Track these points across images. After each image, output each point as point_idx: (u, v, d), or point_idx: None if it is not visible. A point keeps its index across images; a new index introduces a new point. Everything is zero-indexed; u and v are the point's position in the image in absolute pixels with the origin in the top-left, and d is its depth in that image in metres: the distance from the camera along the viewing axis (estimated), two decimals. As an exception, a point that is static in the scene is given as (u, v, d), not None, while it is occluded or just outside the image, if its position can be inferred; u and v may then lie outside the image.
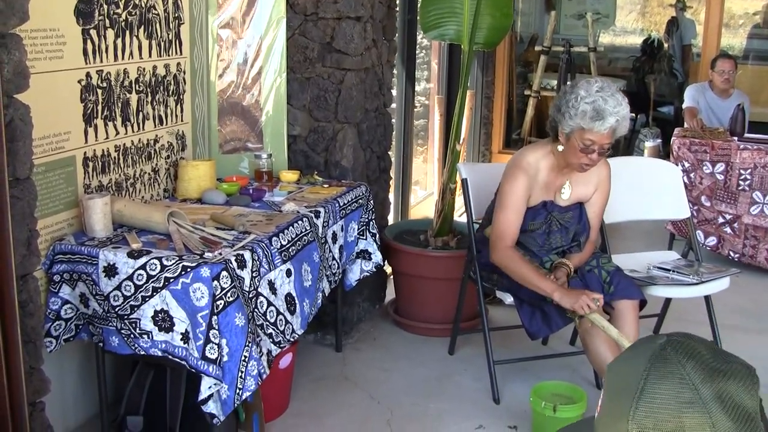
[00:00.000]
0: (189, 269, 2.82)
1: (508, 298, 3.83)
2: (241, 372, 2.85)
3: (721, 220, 5.78)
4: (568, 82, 6.54)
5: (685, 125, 6.32)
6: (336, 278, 3.88)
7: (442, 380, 4.13)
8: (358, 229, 4.11)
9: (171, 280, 2.81)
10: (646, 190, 4.50)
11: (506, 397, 3.95)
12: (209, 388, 2.81)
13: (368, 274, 4.26)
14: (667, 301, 4.65)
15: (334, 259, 3.82)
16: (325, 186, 4.10)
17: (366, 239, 4.18)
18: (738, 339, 4.74)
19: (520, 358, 4.14)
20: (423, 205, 6.33)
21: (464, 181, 4.13)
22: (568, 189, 3.75)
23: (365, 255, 4.19)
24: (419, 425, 3.68)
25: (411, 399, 3.92)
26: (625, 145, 8.44)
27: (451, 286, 4.44)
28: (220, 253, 2.95)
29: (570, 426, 1.77)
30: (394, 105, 5.16)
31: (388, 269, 4.76)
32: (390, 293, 4.99)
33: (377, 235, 4.25)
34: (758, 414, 1.36)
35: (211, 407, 2.85)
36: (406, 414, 3.77)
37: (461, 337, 4.46)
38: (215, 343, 2.78)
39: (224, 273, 2.83)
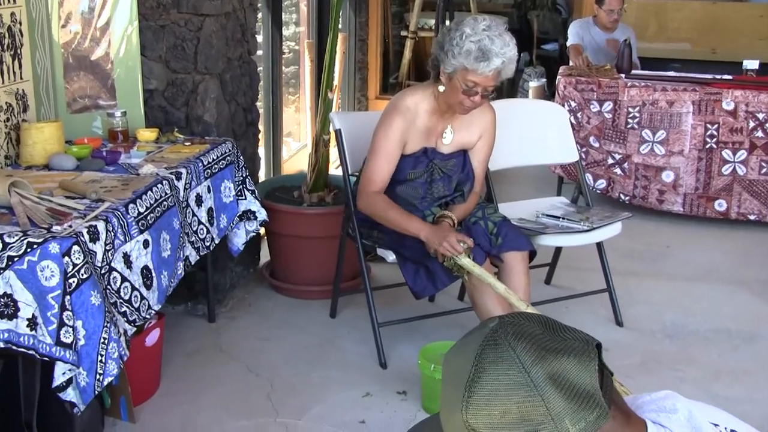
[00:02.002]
0: (35, 246, 2.69)
1: (390, 256, 3.82)
2: (101, 356, 2.75)
3: (610, 160, 5.89)
4: (449, 21, 6.56)
5: (571, 63, 6.40)
6: (207, 244, 3.80)
7: (324, 346, 4.12)
8: (236, 188, 4.04)
9: (15, 260, 2.68)
10: (532, 133, 4.53)
11: (394, 361, 3.95)
12: (63, 374, 2.70)
13: (255, 234, 4.22)
14: (558, 250, 4.74)
15: (200, 223, 3.73)
16: (187, 144, 4.00)
17: (245, 198, 4.12)
18: (631, 284, 4.88)
19: (406, 318, 4.14)
20: (297, 158, 6.28)
21: (338, 132, 4.09)
22: (449, 134, 3.75)
23: (248, 215, 4.14)
24: (302, 397, 3.66)
25: (292, 369, 3.90)
26: (509, 86, 8.51)
27: (329, 244, 4.42)
28: (70, 226, 2.83)
29: (420, 422, 1.84)
30: (260, 52, 5.08)
31: (261, 230, 4.69)
32: (264, 255, 4.94)
33: (256, 192, 4.20)
34: (597, 390, 1.37)
35: (70, 395, 2.74)
36: (288, 385, 3.75)
37: (342, 298, 4.46)
38: (70, 326, 2.67)
39: (76, 247, 2.72)
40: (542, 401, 1.34)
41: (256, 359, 3.97)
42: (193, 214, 3.68)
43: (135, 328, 3.07)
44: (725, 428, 1.52)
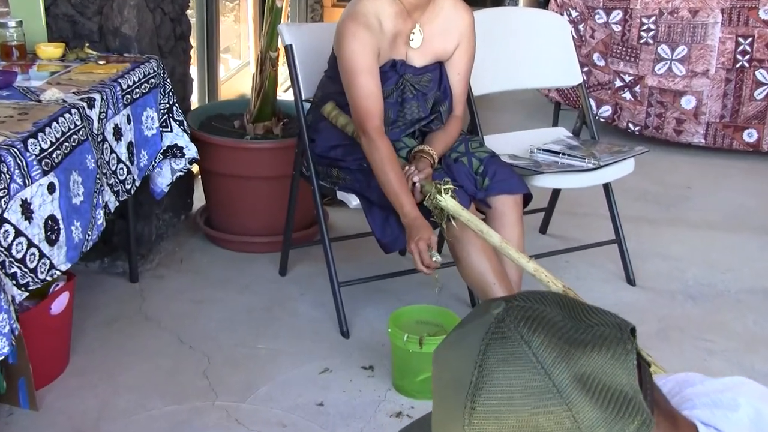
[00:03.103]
0: None
1: (354, 201, 3.78)
2: (-12, 330, 2.67)
3: (618, 83, 5.86)
4: None
5: (571, -38, 6.33)
6: (128, 187, 3.74)
7: (273, 310, 4.12)
8: (160, 118, 3.98)
9: None
10: (525, 50, 4.49)
11: (357, 329, 3.95)
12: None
13: (182, 173, 4.22)
14: (556, 192, 4.74)
15: (120, 161, 3.65)
16: (102, 63, 3.94)
17: (171, 131, 4.08)
18: (644, 234, 4.90)
19: (372, 276, 4.14)
20: (237, 79, 6.24)
21: (288, 48, 4.04)
22: (418, 34, 3.74)
23: (174, 151, 4.11)
24: (246, 373, 3.64)
25: (233, 339, 3.88)
26: (495, -10, 8.42)
27: (278, 186, 4.42)
28: (-48, 167, 2.74)
29: (406, 428, 1.73)
30: (190, -53, 4.97)
31: (194, 168, 4.63)
32: (199, 199, 4.92)
33: (185, 123, 4.17)
34: (637, 391, 1.28)
35: None
36: (228, 359, 3.73)
37: (295, 252, 4.46)
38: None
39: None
40: (568, 410, 1.25)
41: (189, 328, 3.94)
42: (111, 151, 3.61)
43: (26, 293, 2.97)
44: None
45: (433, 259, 3.41)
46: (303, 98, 4.02)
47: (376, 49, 3.62)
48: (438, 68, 3.80)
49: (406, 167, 3.56)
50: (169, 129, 4.05)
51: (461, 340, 1.34)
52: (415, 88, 3.74)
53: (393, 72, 3.71)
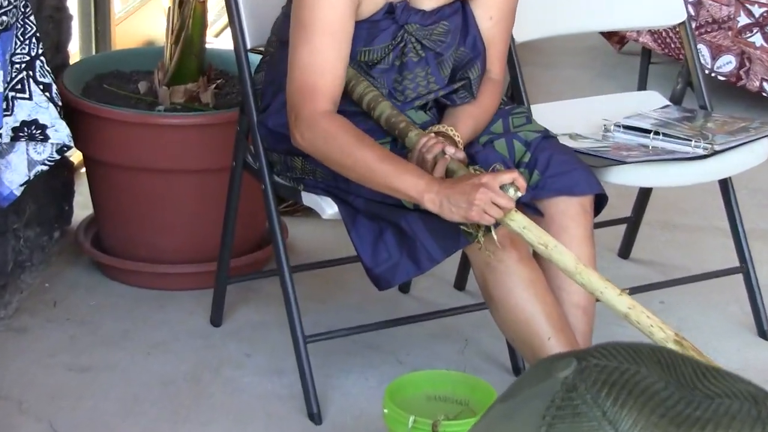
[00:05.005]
0: None
1: (329, 207, 3.76)
2: None
3: (744, 19, 5.86)
4: None
5: None
6: None
7: (201, 381, 4.14)
8: (13, 77, 4.00)
9: None
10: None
11: (335, 409, 3.97)
12: None
13: (46, 167, 4.22)
14: (645, 194, 4.72)
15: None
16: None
17: (30, 98, 4.09)
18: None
19: (357, 326, 4.14)
20: (141, 17, 6.23)
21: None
22: None
23: (33, 131, 4.10)
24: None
25: (139, 427, 3.89)
26: None
27: (209, 185, 4.48)
28: None
29: None
30: None
31: (77, 156, 4.64)
32: (83, 206, 4.93)
33: (53, 87, 4.16)
34: None
35: None
36: None
37: (236, 287, 4.50)
38: None
39: None
40: None
41: (68, 411, 3.95)
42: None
43: None
44: None
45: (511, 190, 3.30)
46: (248, 46, 4.02)
47: None
48: (460, 11, 3.80)
49: (422, 139, 3.50)
50: (26, 95, 4.04)
51: (510, 417, 1.32)
52: (422, 45, 3.74)
53: (389, 21, 3.70)
